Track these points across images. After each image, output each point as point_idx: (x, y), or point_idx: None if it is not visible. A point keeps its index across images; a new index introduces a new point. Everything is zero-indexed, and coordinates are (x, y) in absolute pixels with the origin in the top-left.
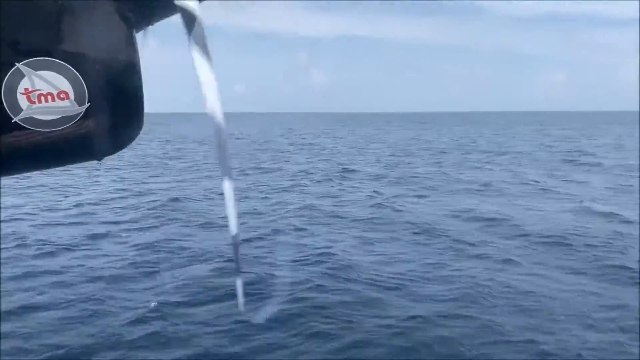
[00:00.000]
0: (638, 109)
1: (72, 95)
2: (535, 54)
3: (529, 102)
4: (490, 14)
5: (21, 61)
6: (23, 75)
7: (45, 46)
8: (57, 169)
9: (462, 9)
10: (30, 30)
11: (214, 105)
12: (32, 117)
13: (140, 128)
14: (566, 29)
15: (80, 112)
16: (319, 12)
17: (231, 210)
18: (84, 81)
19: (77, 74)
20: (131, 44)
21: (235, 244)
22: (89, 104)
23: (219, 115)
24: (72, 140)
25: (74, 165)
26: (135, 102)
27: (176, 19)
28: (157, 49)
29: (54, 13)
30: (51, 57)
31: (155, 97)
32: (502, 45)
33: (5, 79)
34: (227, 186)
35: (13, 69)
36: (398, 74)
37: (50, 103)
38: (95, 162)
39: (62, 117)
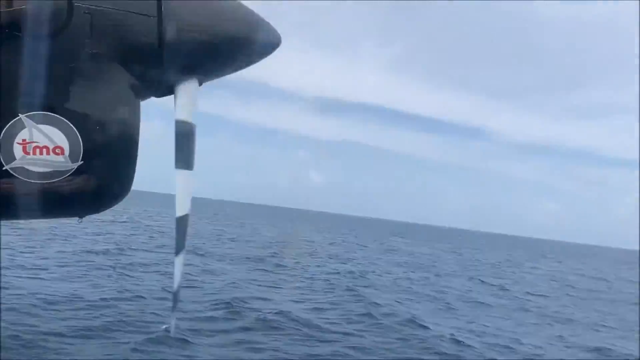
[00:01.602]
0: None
1: (67, 152)
2: (531, 181)
3: (522, 227)
4: (493, 139)
5: (25, 113)
6: (23, 127)
7: (51, 102)
8: (39, 221)
9: (467, 130)
10: (39, 85)
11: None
12: (23, 167)
13: (127, 192)
14: (562, 161)
15: (72, 169)
16: (325, 115)
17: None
18: (82, 140)
19: (76, 131)
20: (134, 112)
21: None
22: (82, 162)
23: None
24: (59, 195)
25: (55, 221)
26: (128, 167)
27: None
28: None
29: (65, 72)
30: (54, 113)
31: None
32: (501, 169)
33: (6, 127)
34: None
35: (15, 119)
36: (395, 184)
37: (45, 156)
38: (75, 219)
39: (54, 171)
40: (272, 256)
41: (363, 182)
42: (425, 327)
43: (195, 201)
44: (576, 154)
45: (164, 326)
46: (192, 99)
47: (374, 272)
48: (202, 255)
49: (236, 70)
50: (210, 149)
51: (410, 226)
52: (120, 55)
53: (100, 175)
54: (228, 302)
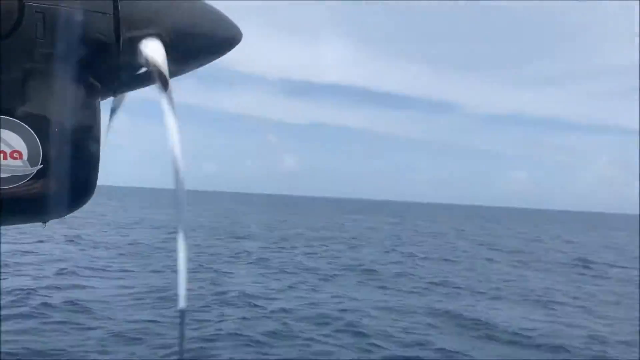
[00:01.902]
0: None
1: (25, 156)
2: (498, 152)
3: (491, 197)
4: (459, 112)
5: None
6: None
7: (6, 105)
8: (2, 228)
9: (433, 106)
10: None
11: (177, 157)
12: None
13: (90, 195)
14: (527, 130)
15: (32, 173)
16: (292, 98)
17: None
18: (40, 143)
19: (35, 135)
20: (94, 111)
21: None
22: (42, 165)
23: (180, 169)
24: (19, 200)
25: (19, 226)
26: (89, 169)
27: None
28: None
29: (19, 74)
30: (10, 117)
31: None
32: (468, 141)
33: None
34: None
35: None
36: (366, 162)
37: (2, 161)
38: (39, 224)
39: (12, 176)
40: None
41: (335, 163)
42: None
43: (164, 193)
44: (540, 122)
45: None
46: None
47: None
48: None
49: (196, 67)
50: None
51: (382, 203)
52: (76, 55)
53: (62, 178)
54: None
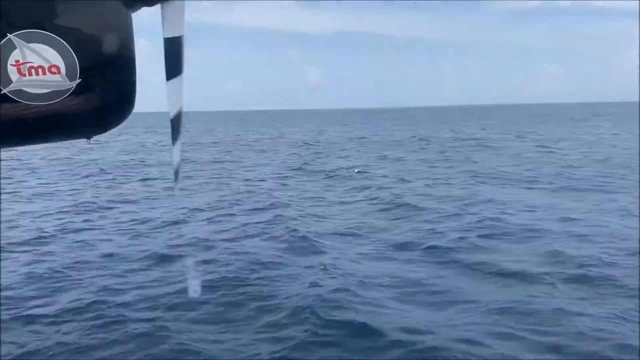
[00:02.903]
0: (637, 99)
1: (63, 70)
2: (530, 47)
3: (526, 95)
4: (485, 9)
5: (13, 32)
6: (14, 47)
7: (40, 19)
8: (45, 145)
9: (458, 5)
10: (25, 2)
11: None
12: (21, 90)
13: (131, 108)
14: (558, 22)
15: (71, 88)
16: (313, 9)
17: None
18: (77, 57)
19: (70, 49)
20: (126, 24)
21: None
22: (80, 80)
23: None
24: (62, 116)
25: (63, 143)
26: (128, 82)
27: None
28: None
29: None
30: (44, 30)
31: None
32: (498, 39)
33: None
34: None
35: (4, 39)
36: (394, 70)
37: (41, 76)
38: (84, 140)
39: (52, 91)
40: None
41: (361, 73)
42: None
43: (191, 116)
44: (571, 11)
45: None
46: (179, 15)
47: None
48: None
49: None
50: (195, 60)
51: (405, 110)
52: None
53: (102, 92)
54: None
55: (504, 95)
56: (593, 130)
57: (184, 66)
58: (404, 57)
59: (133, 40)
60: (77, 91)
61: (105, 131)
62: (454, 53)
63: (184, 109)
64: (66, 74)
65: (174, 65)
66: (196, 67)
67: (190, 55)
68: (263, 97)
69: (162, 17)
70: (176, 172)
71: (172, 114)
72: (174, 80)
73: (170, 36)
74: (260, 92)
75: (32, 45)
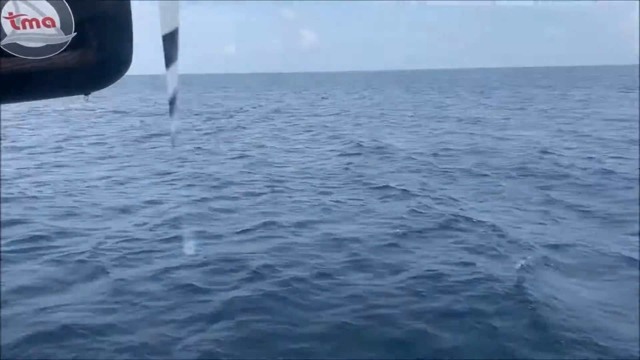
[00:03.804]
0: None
1: (58, 23)
2: (532, 8)
3: (528, 58)
4: None
5: None
6: None
7: None
8: (43, 100)
9: None
10: None
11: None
12: (16, 44)
13: (129, 64)
14: None
15: (67, 42)
16: None
17: None
18: (71, 9)
19: (64, 1)
20: None
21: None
22: (76, 33)
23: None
24: (58, 70)
25: (60, 98)
26: (124, 37)
27: None
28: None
29: None
30: None
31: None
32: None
33: None
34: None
35: None
36: (388, 31)
37: (35, 29)
38: (82, 96)
39: (47, 45)
40: None
41: (358, 35)
42: None
43: (189, 79)
44: None
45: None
46: (173, 10)
47: None
48: None
49: None
50: (190, 22)
51: (401, 73)
52: None
53: (98, 47)
54: None
55: (508, 58)
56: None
57: (178, 54)
58: (397, 19)
59: None
60: (73, 45)
61: (102, 87)
62: (449, 15)
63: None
64: (61, 27)
65: (170, 55)
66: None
67: (185, 17)
68: (258, 59)
69: (160, 13)
70: (172, 102)
71: (164, 31)
72: (171, 67)
73: (167, 32)
74: (255, 54)
75: None
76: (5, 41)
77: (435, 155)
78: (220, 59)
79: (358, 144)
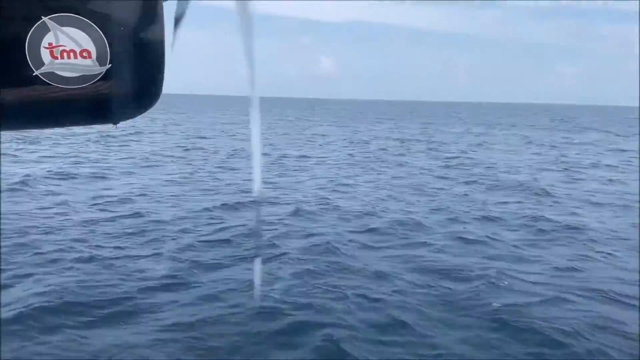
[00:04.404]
0: None
1: (94, 55)
2: (547, 45)
3: (541, 94)
4: (505, 4)
5: (48, 15)
6: (48, 30)
7: (74, 3)
8: (72, 128)
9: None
10: None
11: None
12: (53, 73)
13: (158, 96)
14: (578, 21)
15: (101, 73)
16: None
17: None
18: (107, 42)
19: (101, 34)
20: (157, 12)
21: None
22: (110, 65)
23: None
24: (90, 100)
25: (90, 127)
26: (156, 69)
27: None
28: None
29: None
30: (78, 15)
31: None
32: (515, 35)
33: (31, 31)
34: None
35: (39, 22)
36: (408, 61)
37: (73, 60)
38: (111, 125)
39: (83, 75)
40: None
41: (374, 64)
42: None
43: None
44: (592, 11)
45: None
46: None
47: None
48: None
49: None
50: (207, 43)
51: (418, 104)
52: None
53: (130, 79)
54: None
55: (519, 93)
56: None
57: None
58: (417, 49)
59: (164, 29)
60: (107, 76)
61: (132, 117)
62: (468, 48)
63: None
64: (97, 59)
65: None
66: (206, 50)
67: (204, 41)
68: (274, 84)
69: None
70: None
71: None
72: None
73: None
74: (271, 79)
75: (65, 29)
76: (42, 70)
77: None
78: (234, 82)
79: None
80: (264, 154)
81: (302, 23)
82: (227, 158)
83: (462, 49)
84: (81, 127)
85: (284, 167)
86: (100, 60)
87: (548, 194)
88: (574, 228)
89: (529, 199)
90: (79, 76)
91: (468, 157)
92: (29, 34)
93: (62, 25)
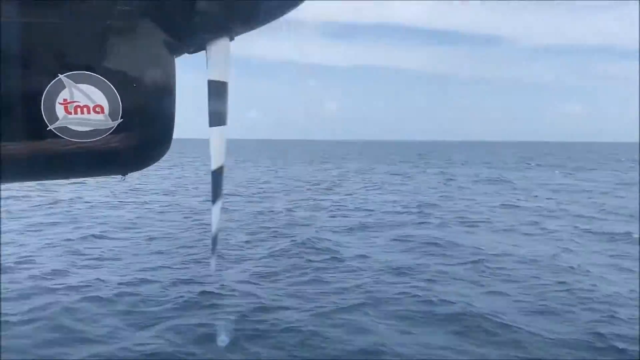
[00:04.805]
0: None
1: (107, 110)
2: (550, 84)
3: (546, 133)
4: (507, 45)
5: (64, 73)
6: (64, 87)
7: (88, 61)
8: (82, 179)
9: (479, 39)
10: (76, 45)
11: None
12: (66, 127)
13: (167, 148)
14: (580, 60)
15: (113, 127)
16: (333, 41)
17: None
18: (120, 97)
19: (115, 90)
20: (169, 68)
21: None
22: (122, 119)
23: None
24: (102, 153)
25: (99, 178)
26: (166, 123)
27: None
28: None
29: (100, 31)
30: (92, 72)
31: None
32: (518, 75)
33: (47, 87)
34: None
35: (56, 79)
36: (412, 102)
37: (86, 115)
38: (119, 176)
39: (95, 129)
40: None
41: (380, 106)
42: None
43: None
44: (594, 50)
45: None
46: (224, 58)
47: None
48: None
49: (269, 21)
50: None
51: (421, 144)
52: (152, 12)
53: (140, 132)
54: None
55: (523, 132)
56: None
57: (227, 117)
58: (420, 90)
59: (175, 84)
60: (118, 130)
61: (141, 168)
62: (471, 88)
63: (225, 164)
64: (109, 114)
65: (217, 113)
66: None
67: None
68: (280, 126)
69: (207, 57)
70: (214, 240)
71: (214, 166)
72: (216, 129)
73: (214, 79)
74: (278, 121)
75: (80, 85)
76: (57, 124)
77: None
78: (243, 125)
79: None
80: None
81: (310, 67)
82: None
83: (465, 89)
84: (89, 178)
85: None
86: (113, 115)
87: None
88: None
89: None
90: (91, 130)
91: None
92: (46, 90)
93: (77, 82)
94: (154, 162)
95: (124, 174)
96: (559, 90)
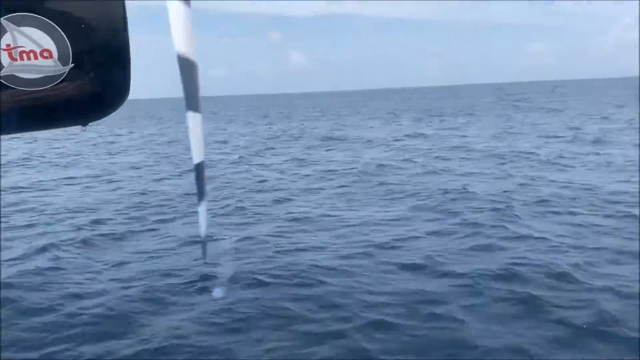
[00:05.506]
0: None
1: (55, 55)
2: (513, 25)
3: (511, 74)
4: None
5: (4, 16)
6: (5, 31)
7: (31, 2)
8: (39, 132)
9: None
10: None
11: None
12: (13, 75)
13: (126, 95)
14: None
15: (64, 73)
16: None
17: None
18: (69, 41)
19: (62, 33)
20: (121, 10)
21: (199, 171)
22: (73, 65)
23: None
24: (56, 102)
25: (59, 130)
26: (122, 68)
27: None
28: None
29: None
30: (36, 14)
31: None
32: (479, 17)
33: None
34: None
35: None
36: (378, 51)
37: (33, 61)
38: (79, 127)
39: (45, 76)
40: None
41: (347, 56)
42: None
43: (174, 102)
44: None
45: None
46: (185, 24)
47: None
48: None
49: None
50: (171, 44)
51: (391, 91)
52: None
53: (95, 78)
54: None
55: (490, 74)
56: None
57: (200, 103)
58: (384, 39)
59: (127, 27)
60: (71, 77)
61: (100, 118)
62: (435, 34)
63: (205, 159)
64: (59, 59)
65: (191, 96)
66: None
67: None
68: (247, 81)
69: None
70: (204, 245)
71: (196, 159)
72: (193, 116)
73: (182, 55)
74: (244, 76)
75: (23, 29)
76: (3, 73)
77: None
78: (209, 82)
79: None
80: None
81: (271, 18)
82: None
83: (430, 35)
84: (46, 129)
85: None
86: (63, 60)
87: None
88: None
89: None
90: (42, 77)
91: None
92: None
93: (20, 25)
94: (114, 110)
95: (84, 124)
96: (522, 31)
